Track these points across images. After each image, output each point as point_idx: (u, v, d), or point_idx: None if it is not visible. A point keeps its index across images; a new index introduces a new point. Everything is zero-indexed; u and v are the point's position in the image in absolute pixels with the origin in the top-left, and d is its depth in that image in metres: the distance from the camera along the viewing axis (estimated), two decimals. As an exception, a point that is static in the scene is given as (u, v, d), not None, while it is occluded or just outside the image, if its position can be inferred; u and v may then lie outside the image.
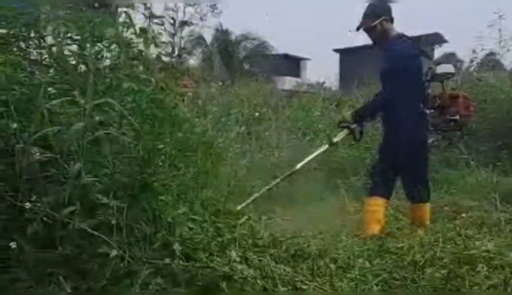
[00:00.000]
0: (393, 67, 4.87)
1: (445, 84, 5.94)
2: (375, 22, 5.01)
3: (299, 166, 5.57)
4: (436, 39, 28.76)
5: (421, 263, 3.81)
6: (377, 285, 3.55)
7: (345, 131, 5.35)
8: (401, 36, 5.04)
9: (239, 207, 4.88)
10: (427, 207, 5.25)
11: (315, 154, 5.71)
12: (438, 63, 5.31)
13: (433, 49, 28.28)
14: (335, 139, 5.48)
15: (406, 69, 4.86)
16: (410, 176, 5.14)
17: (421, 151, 5.14)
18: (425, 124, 5.16)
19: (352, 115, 5.27)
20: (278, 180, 5.65)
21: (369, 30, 5.07)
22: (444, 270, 3.62)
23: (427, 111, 5.08)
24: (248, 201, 5.28)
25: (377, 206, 4.94)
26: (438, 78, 5.52)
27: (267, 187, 5.64)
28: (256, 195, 5.47)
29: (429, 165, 5.33)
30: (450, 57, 24.65)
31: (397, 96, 4.87)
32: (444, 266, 3.70)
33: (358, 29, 5.13)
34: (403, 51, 4.96)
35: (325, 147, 5.61)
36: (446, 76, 5.60)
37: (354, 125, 5.23)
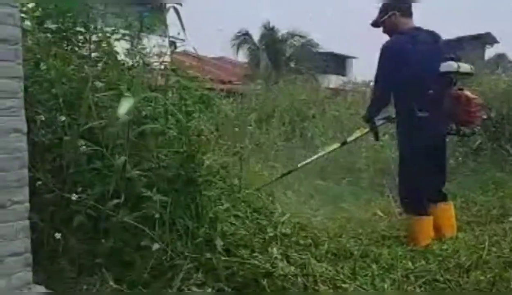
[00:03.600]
0: (379, 62, 4.66)
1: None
2: (383, 18, 4.80)
3: (300, 165, 5.51)
4: (487, 39, 28.11)
5: (466, 266, 3.73)
6: (420, 286, 3.49)
7: (361, 130, 5.17)
8: (414, 29, 4.74)
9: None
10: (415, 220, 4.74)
11: (323, 152, 5.62)
12: (443, 59, 4.66)
13: (484, 50, 27.65)
14: (349, 139, 5.35)
15: (391, 65, 4.56)
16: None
17: (409, 157, 4.70)
18: (419, 128, 4.50)
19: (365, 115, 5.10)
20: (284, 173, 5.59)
21: (379, 26, 4.87)
22: (490, 273, 3.54)
23: (424, 115, 4.43)
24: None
25: (425, 225, 4.70)
26: (447, 78, 4.62)
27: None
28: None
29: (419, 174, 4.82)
30: (500, 58, 24.06)
31: (385, 95, 4.70)
32: (490, 270, 3.62)
33: (372, 25, 4.97)
34: (390, 46, 4.66)
35: (335, 146, 5.49)
36: (451, 75, 4.62)
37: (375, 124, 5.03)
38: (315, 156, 5.64)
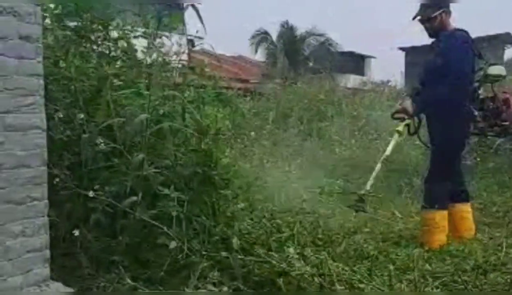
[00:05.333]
0: (446, 60, 4.54)
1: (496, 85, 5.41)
2: (436, 13, 4.68)
3: (387, 152, 5.34)
4: (507, 39, 27.78)
5: (483, 268, 3.70)
6: (437, 287, 3.47)
7: (406, 121, 5.01)
8: (458, 30, 4.71)
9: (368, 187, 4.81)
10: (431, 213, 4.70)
11: (393, 143, 5.48)
12: (490, 64, 4.77)
13: (503, 50, 27.33)
14: (398, 128, 5.23)
15: (457, 64, 4.52)
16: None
17: (457, 151, 4.79)
18: (468, 125, 4.75)
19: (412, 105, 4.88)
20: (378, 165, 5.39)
21: (427, 21, 4.75)
22: (507, 275, 3.51)
23: (476, 113, 4.67)
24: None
25: (440, 219, 4.70)
26: (488, 80, 4.92)
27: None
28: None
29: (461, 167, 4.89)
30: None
31: (445, 91, 4.53)
32: (507, 271, 3.59)
33: (415, 18, 4.89)
34: (457, 45, 4.62)
35: (396, 137, 5.37)
36: (497, 78, 4.96)
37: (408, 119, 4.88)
38: (390, 146, 5.50)
